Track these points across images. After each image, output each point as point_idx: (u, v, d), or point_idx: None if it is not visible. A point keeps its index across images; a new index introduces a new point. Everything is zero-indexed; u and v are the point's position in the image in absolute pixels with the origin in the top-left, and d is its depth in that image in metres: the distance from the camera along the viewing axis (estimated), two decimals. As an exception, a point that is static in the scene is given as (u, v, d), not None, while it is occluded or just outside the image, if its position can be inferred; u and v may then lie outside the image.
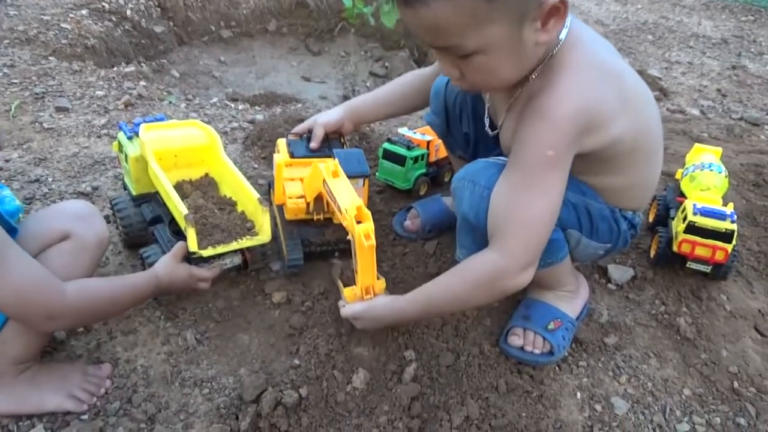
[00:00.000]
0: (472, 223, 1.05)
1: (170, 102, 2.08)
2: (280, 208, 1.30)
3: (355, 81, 3.53)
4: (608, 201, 1.13)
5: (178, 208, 1.11)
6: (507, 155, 1.05)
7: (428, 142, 1.60)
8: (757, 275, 1.49)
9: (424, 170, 1.61)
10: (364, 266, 1.10)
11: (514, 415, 1.09)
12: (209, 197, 1.26)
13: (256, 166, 1.74)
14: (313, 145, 1.35)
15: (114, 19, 2.96)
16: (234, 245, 1.14)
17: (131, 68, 2.30)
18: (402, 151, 1.55)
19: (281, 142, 1.37)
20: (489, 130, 1.21)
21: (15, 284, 0.88)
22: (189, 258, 1.16)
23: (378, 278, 1.15)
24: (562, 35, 0.98)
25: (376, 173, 1.65)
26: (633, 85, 1.06)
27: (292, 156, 1.31)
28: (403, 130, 1.65)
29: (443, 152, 1.63)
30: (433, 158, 1.63)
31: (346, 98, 3.29)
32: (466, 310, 1.27)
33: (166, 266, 1.11)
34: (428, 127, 1.67)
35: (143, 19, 3.12)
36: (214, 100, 2.16)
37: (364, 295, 1.13)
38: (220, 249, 1.13)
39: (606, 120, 0.97)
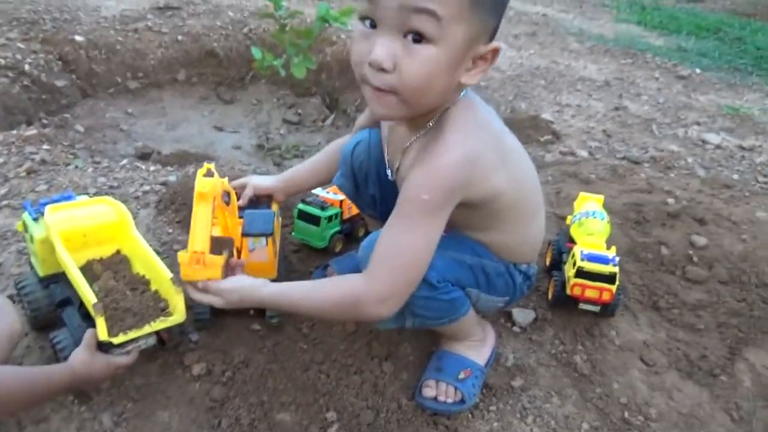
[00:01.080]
0: None
1: (76, 166, 2.03)
2: None
3: (268, 129, 3.57)
4: (501, 257, 1.24)
5: (87, 296, 1.10)
6: None
7: (341, 201, 1.67)
8: (641, 308, 1.65)
9: (338, 228, 1.67)
10: (195, 223, 1.14)
11: (432, 467, 1.15)
12: (120, 277, 1.26)
13: (170, 231, 1.74)
14: (241, 203, 1.39)
15: (11, 74, 2.86)
16: (147, 329, 1.15)
17: (32, 131, 2.24)
18: (316, 211, 1.61)
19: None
20: (390, 175, 1.29)
21: None
22: (100, 344, 1.15)
23: (221, 253, 1.15)
24: (461, 94, 1.09)
25: (292, 233, 1.70)
26: (512, 146, 1.19)
27: None
28: (317, 191, 1.71)
29: (356, 209, 1.71)
30: (346, 215, 1.70)
31: (260, 147, 3.33)
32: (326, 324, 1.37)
33: (81, 359, 1.10)
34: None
35: (43, 74, 3.03)
36: (123, 162, 2.13)
37: (193, 264, 1.11)
38: (132, 334, 1.13)
39: (486, 173, 1.08)
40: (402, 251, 1.05)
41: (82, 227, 1.27)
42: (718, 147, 2.87)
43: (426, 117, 1.10)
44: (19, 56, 2.96)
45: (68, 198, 1.33)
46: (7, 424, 1.14)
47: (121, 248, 1.33)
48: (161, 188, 1.93)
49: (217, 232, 1.32)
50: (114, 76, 3.43)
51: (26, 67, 2.95)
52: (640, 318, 1.61)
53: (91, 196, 1.54)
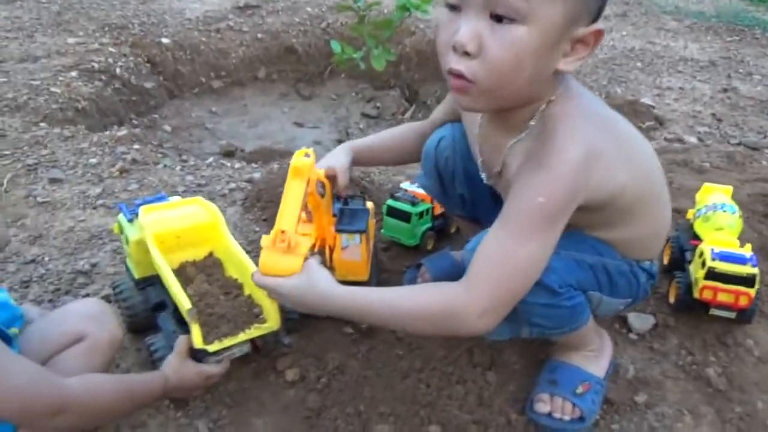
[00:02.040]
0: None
1: (165, 165, 2.04)
2: None
3: (348, 123, 3.53)
4: (624, 255, 1.09)
5: (181, 302, 1.06)
6: None
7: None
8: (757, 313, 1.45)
9: (430, 224, 1.57)
10: (286, 200, 1.04)
11: (549, 492, 1.03)
12: (214, 281, 1.21)
13: (257, 229, 1.70)
14: (344, 194, 1.32)
15: (104, 78, 2.95)
16: (242, 336, 1.09)
17: (123, 131, 2.28)
18: (406, 207, 1.52)
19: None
20: (485, 178, 1.17)
21: (15, 387, 0.85)
22: (194, 351, 1.11)
23: (306, 235, 1.06)
24: (561, 85, 0.96)
25: (381, 230, 1.61)
26: (628, 133, 1.05)
27: None
28: (405, 185, 1.62)
29: (448, 204, 1.60)
30: (437, 211, 1.59)
31: (340, 142, 3.28)
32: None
33: (173, 366, 1.07)
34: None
35: (133, 76, 3.12)
36: (209, 160, 2.13)
37: (278, 244, 1.00)
38: (227, 342, 1.08)
39: (608, 170, 0.94)
40: (510, 261, 0.92)
41: (176, 229, 1.23)
42: None
43: (523, 113, 0.98)
44: (111, 60, 3.05)
45: (161, 199, 1.31)
46: (105, 429, 1.12)
47: (213, 250, 1.29)
48: (246, 185, 1.91)
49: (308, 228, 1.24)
50: (198, 76, 3.50)
51: (117, 70, 3.04)
52: (775, 325, 1.41)
53: (182, 196, 1.52)
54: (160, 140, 2.73)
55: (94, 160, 2.05)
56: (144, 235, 1.19)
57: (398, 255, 1.58)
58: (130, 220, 1.26)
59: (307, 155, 1.13)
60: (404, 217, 1.52)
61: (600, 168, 0.93)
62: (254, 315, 1.14)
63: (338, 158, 1.30)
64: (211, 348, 1.06)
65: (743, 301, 1.26)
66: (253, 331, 1.11)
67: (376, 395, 1.19)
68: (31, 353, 0.96)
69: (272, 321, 1.12)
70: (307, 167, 1.09)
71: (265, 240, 1.03)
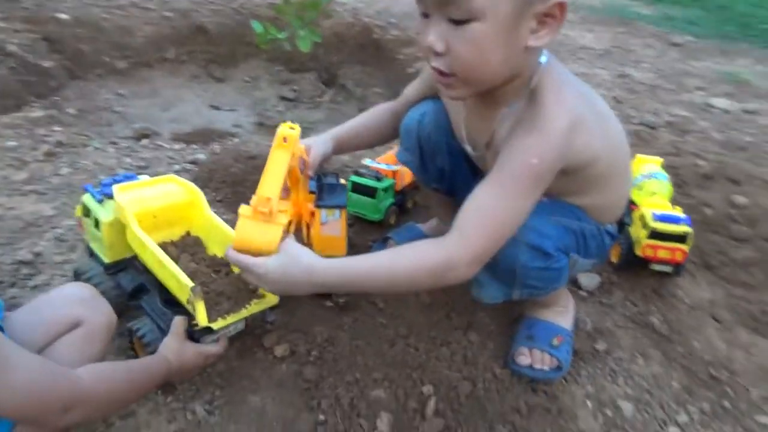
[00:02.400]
0: (490, 262, 1.08)
1: (95, 147, 1.91)
2: None
3: (265, 106, 3.46)
4: (594, 219, 1.21)
5: (181, 279, 1.02)
6: None
7: (394, 172, 1.61)
8: (696, 267, 1.66)
9: (393, 200, 1.62)
10: (270, 167, 1.03)
11: (540, 434, 1.13)
12: (200, 259, 1.18)
13: (214, 210, 1.65)
14: (311, 173, 1.32)
15: (-2, 56, 2.67)
16: (244, 312, 1.08)
17: (39, 112, 2.10)
18: (372, 183, 1.55)
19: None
20: (470, 151, 1.25)
21: (22, 383, 0.79)
22: (191, 331, 1.08)
23: (284, 210, 1.04)
24: (543, 59, 1.04)
25: (344, 207, 1.63)
26: (602, 107, 1.16)
27: None
28: (368, 161, 1.65)
29: (407, 179, 1.66)
30: (399, 187, 1.64)
31: (260, 125, 3.22)
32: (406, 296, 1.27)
33: (172, 349, 1.03)
34: (388, 155, 1.70)
35: (30, 55, 2.84)
36: (144, 141, 2.02)
37: (260, 210, 0.99)
38: (231, 319, 1.07)
39: (587, 137, 1.04)
40: (501, 214, 1.00)
41: (154, 208, 1.18)
42: (725, 111, 2.90)
43: (508, 89, 1.06)
44: (2, 36, 2.76)
45: (131, 178, 1.24)
46: (94, 423, 1.06)
47: (190, 229, 1.25)
48: (192, 167, 1.84)
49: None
50: (101, 55, 3.25)
51: (11, 47, 2.76)
52: (698, 277, 1.62)
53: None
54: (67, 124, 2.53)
55: (12, 143, 1.87)
56: (122, 214, 1.13)
57: (363, 230, 1.62)
58: (100, 201, 1.19)
59: (292, 128, 1.13)
60: (370, 192, 1.56)
61: (581, 135, 1.03)
62: (251, 291, 1.13)
63: (320, 141, 1.31)
64: (216, 326, 1.04)
65: (679, 256, 1.44)
66: (254, 307, 1.10)
67: (369, 363, 1.23)
68: (23, 343, 0.89)
69: (272, 296, 1.11)
70: (294, 138, 1.09)
71: (245, 209, 1.01)
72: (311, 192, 1.33)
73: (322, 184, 1.33)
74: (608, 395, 1.24)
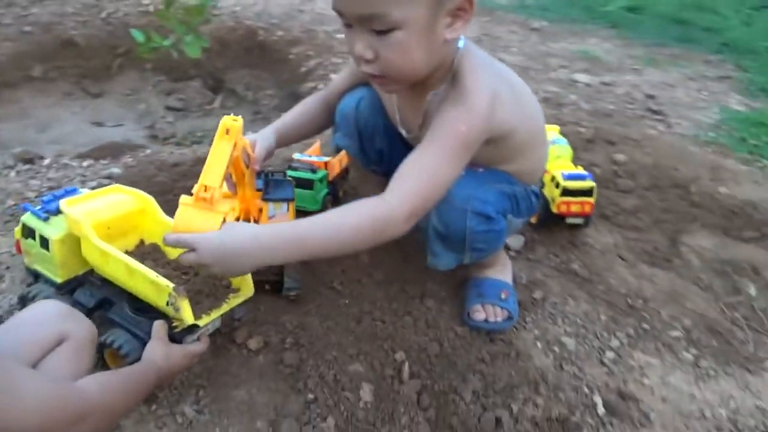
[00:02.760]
0: (442, 232, 1.20)
1: (-8, 173, 1.77)
2: None
3: (153, 118, 3.32)
4: (522, 182, 1.37)
5: (159, 282, 1.02)
6: None
7: (326, 163, 1.67)
8: (596, 219, 1.89)
9: (327, 190, 1.68)
10: (212, 156, 1.06)
11: (505, 376, 1.26)
12: (165, 264, 1.17)
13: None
14: (257, 167, 1.34)
15: None
16: (225, 307, 1.10)
17: None
18: (309, 175, 1.60)
19: None
20: (406, 135, 1.35)
21: (34, 404, 0.77)
22: (171, 333, 1.08)
23: (229, 197, 1.07)
24: (461, 44, 1.17)
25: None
26: (517, 82, 1.32)
27: None
28: (298, 155, 1.69)
29: (336, 170, 1.73)
30: (330, 177, 1.71)
31: (154, 138, 3.09)
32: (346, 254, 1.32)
33: (160, 353, 1.02)
34: (315, 147, 1.76)
35: None
36: (47, 161, 1.90)
37: (202, 195, 1.02)
38: (215, 314, 1.08)
39: (505, 110, 1.18)
40: (432, 174, 1.09)
41: (107, 218, 1.15)
42: (587, 85, 3.27)
43: (434, 76, 1.17)
44: None
45: (73, 192, 1.20)
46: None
47: (143, 237, 1.23)
48: (110, 182, 1.76)
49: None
50: (-43, 77, 2.95)
51: None
52: (599, 227, 1.85)
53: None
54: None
55: None
56: (76, 228, 1.10)
57: (304, 222, 1.66)
58: (45, 219, 1.14)
59: (234, 120, 1.16)
60: (307, 184, 1.60)
61: (500, 108, 1.16)
62: (226, 287, 1.14)
63: (263, 136, 1.35)
64: (202, 322, 1.05)
65: (587, 208, 1.65)
66: (233, 300, 1.12)
67: (342, 341, 1.29)
68: (8, 364, 0.85)
69: (247, 289, 1.14)
70: (236, 129, 1.11)
71: (186, 198, 1.04)
72: (258, 189, 1.36)
73: (269, 180, 1.37)
74: (552, 335, 1.40)
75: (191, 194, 1.05)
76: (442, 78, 1.18)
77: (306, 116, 1.49)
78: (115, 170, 1.82)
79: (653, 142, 2.38)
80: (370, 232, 1.05)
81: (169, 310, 1.05)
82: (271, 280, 1.36)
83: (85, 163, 1.89)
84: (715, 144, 2.58)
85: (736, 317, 1.55)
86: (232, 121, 1.10)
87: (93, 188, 1.73)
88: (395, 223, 1.05)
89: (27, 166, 1.85)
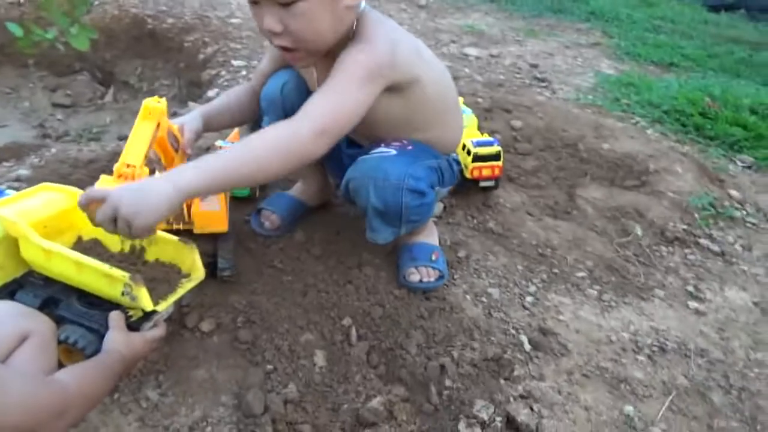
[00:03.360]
0: (380, 209, 1.30)
1: None
2: None
3: (41, 116, 3.12)
4: (443, 153, 1.49)
5: (113, 274, 1.03)
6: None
7: (249, 148, 1.70)
8: (503, 181, 2.07)
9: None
10: (133, 141, 1.10)
11: (443, 328, 1.39)
12: (109, 257, 1.17)
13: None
14: (189, 151, 1.35)
15: None
16: (180, 291, 1.13)
17: None
18: (234, 161, 1.63)
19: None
20: None
21: (16, 400, 0.79)
22: (128, 323, 1.10)
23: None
24: (362, 6, 1.26)
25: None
26: (423, 46, 1.42)
27: None
28: (220, 143, 1.71)
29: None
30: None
31: (47, 137, 2.91)
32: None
33: (121, 341, 1.04)
34: (235, 134, 1.79)
35: None
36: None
37: (117, 178, 1.05)
38: (171, 298, 1.11)
39: (407, 57, 1.27)
40: (340, 99, 1.16)
41: (43, 217, 1.13)
42: (477, 58, 3.48)
43: (341, 42, 1.25)
44: None
45: (0, 193, 1.16)
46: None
47: (81, 234, 1.22)
48: (21, 184, 1.69)
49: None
50: None
51: None
52: (507, 188, 2.03)
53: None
54: None
55: None
56: (13, 229, 1.08)
57: (235, 208, 1.67)
58: (-24, 224, 1.10)
59: (158, 101, 1.18)
60: (234, 170, 1.63)
61: (402, 53, 1.25)
62: (177, 272, 1.17)
63: (190, 118, 1.36)
64: (160, 307, 1.07)
65: (497, 171, 1.81)
66: (187, 284, 1.15)
67: (291, 314, 1.36)
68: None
69: (198, 272, 1.17)
70: (159, 111, 1.16)
71: (105, 177, 1.08)
72: None
73: None
74: (479, 288, 1.55)
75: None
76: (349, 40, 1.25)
77: (234, 102, 1.52)
78: (23, 172, 1.74)
79: (543, 108, 2.62)
80: (291, 151, 1.11)
81: (125, 300, 1.06)
82: (205, 262, 1.39)
83: (-16, 167, 1.79)
84: (594, 105, 2.87)
85: (627, 255, 1.78)
86: (155, 103, 1.14)
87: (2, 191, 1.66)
88: (309, 139, 1.11)
89: None
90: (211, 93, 2.52)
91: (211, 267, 1.37)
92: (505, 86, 3.01)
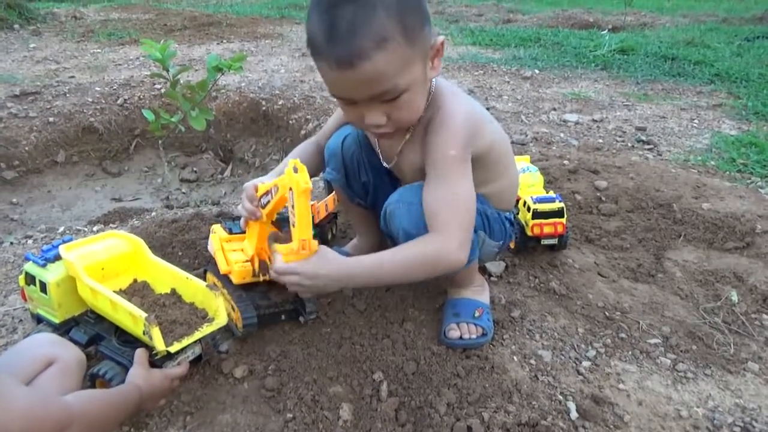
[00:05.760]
0: (414, 235, 1.29)
1: (11, 243, 1.93)
2: (225, 277, 1.39)
3: (169, 190, 3.53)
4: (494, 206, 1.45)
5: (134, 313, 1.13)
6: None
7: (312, 206, 1.79)
8: (578, 242, 1.95)
9: (314, 232, 1.78)
10: (301, 215, 1.21)
11: (481, 388, 1.31)
12: (149, 299, 1.28)
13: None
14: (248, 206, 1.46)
15: None
16: (197, 334, 1.19)
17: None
18: (293, 219, 1.71)
19: (216, 227, 1.51)
20: (386, 165, 1.47)
21: (20, 410, 0.87)
22: (152, 360, 1.17)
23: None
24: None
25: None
26: (483, 108, 1.43)
27: (230, 232, 1.43)
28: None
29: (322, 213, 1.84)
30: (317, 221, 1.82)
31: (168, 208, 3.28)
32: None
33: (140, 375, 1.12)
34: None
35: None
36: (61, 229, 2.06)
37: (301, 250, 1.21)
38: (186, 341, 1.17)
39: (483, 125, 1.32)
40: (457, 200, 1.23)
41: (101, 260, 1.28)
42: (577, 123, 3.38)
43: None
44: None
45: (68, 240, 1.33)
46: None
47: (137, 277, 1.35)
48: (116, 242, 1.91)
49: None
50: (-14, 168, 3.22)
51: None
52: (582, 249, 1.91)
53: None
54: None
55: None
56: (71, 269, 1.22)
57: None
58: (44, 265, 1.26)
59: (296, 168, 1.26)
60: (292, 227, 1.71)
61: (478, 124, 1.30)
62: (202, 317, 1.24)
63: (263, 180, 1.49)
64: (173, 349, 1.14)
65: (560, 228, 1.72)
66: (206, 329, 1.21)
67: (322, 365, 1.36)
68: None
69: (221, 318, 1.23)
70: (309, 189, 1.24)
71: (283, 248, 1.22)
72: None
73: (278, 219, 1.48)
74: (529, 349, 1.44)
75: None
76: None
77: (303, 158, 1.62)
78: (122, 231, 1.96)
79: (636, 168, 2.46)
80: (434, 265, 1.23)
81: (147, 339, 1.14)
82: (287, 309, 1.45)
83: (95, 228, 2.05)
84: (702, 166, 2.63)
85: (716, 322, 1.57)
86: (305, 180, 1.23)
87: (100, 248, 1.88)
88: (452, 254, 1.21)
89: (43, 235, 2.01)
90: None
91: (293, 313, 1.46)
92: (602, 150, 2.88)
